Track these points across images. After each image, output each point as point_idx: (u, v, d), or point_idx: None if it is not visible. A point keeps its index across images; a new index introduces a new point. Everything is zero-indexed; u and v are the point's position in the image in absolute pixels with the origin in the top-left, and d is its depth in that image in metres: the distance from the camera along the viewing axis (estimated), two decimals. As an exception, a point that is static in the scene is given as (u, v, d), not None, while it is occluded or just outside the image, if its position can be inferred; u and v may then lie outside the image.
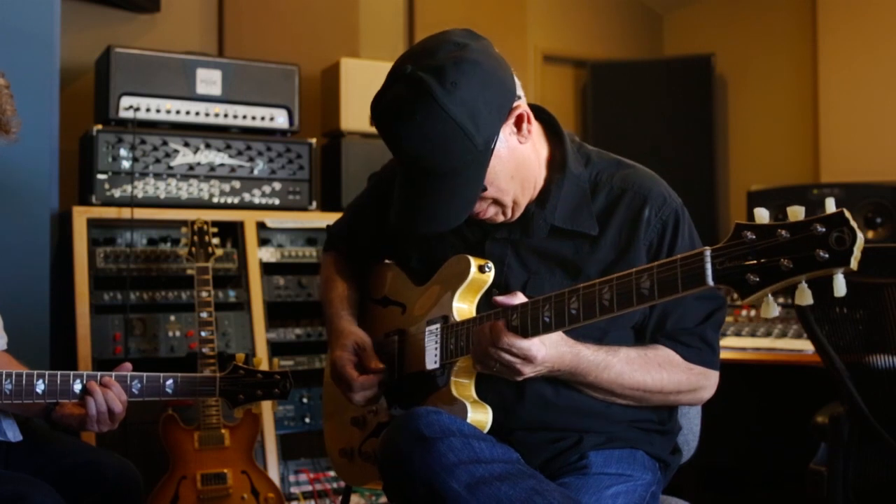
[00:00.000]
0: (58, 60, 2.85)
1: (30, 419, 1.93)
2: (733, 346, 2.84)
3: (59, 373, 1.78)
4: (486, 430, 1.53)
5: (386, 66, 1.55)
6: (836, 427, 2.02)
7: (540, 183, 1.64)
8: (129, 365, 1.86)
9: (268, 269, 3.16)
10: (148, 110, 3.08)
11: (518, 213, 1.63)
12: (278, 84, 3.30)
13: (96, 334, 2.83)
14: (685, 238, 1.62)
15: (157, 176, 3.07)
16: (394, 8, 4.10)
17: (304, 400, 3.12)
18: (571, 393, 1.58)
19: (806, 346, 2.69)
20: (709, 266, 1.19)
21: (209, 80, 3.18)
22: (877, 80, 4.30)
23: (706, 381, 1.64)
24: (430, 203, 1.52)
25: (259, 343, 3.05)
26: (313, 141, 3.35)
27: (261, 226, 3.18)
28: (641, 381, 1.56)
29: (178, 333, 2.95)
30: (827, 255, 1.08)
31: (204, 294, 2.78)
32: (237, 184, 3.20)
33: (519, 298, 1.47)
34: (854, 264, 1.06)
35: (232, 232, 3.14)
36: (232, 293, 3.07)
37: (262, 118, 3.26)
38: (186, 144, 3.12)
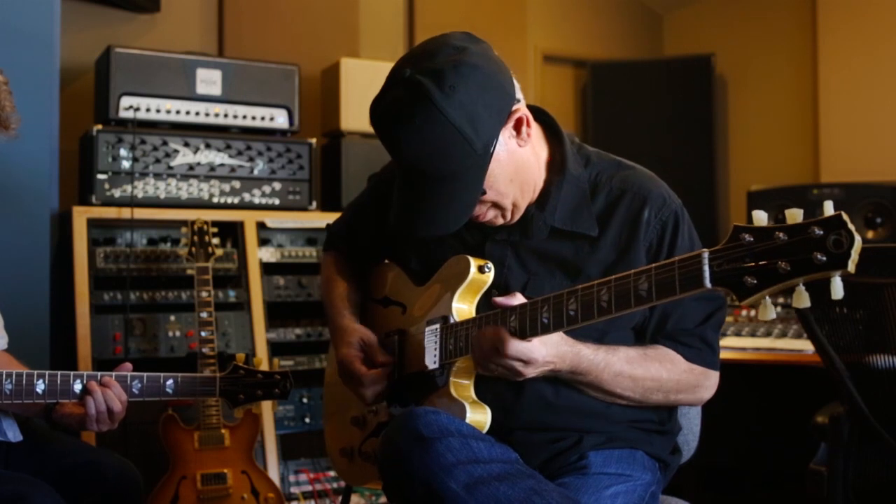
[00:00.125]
0: (58, 60, 2.85)
1: (30, 419, 1.93)
2: (733, 346, 2.84)
3: (59, 373, 1.78)
4: (484, 431, 1.53)
5: (386, 66, 1.55)
6: (836, 427, 2.02)
7: (540, 185, 1.64)
8: (129, 365, 1.86)
9: (268, 269, 3.16)
10: (148, 110, 3.08)
11: (518, 216, 1.63)
12: (278, 84, 3.30)
13: (96, 334, 2.83)
14: (685, 239, 1.62)
15: (157, 176, 3.07)
16: (394, 8, 4.10)
17: (304, 400, 3.12)
18: (571, 393, 1.58)
19: (806, 346, 2.69)
20: (706, 268, 1.19)
21: (209, 80, 3.18)
22: (877, 80, 4.30)
23: (706, 382, 1.64)
24: (429, 207, 1.52)
25: (259, 343, 3.06)
26: (313, 141, 3.35)
27: (261, 226, 3.18)
28: (641, 380, 1.56)
29: (178, 333, 2.95)
30: (824, 258, 1.08)
31: (204, 294, 2.78)
32: (237, 184, 3.20)
33: (518, 299, 1.47)
34: (851, 267, 1.06)
35: (232, 232, 3.14)
36: (232, 293, 3.07)
37: (262, 118, 3.26)
38: (186, 144, 3.12)
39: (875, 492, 2.03)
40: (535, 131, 1.63)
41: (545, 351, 1.45)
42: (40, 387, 1.76)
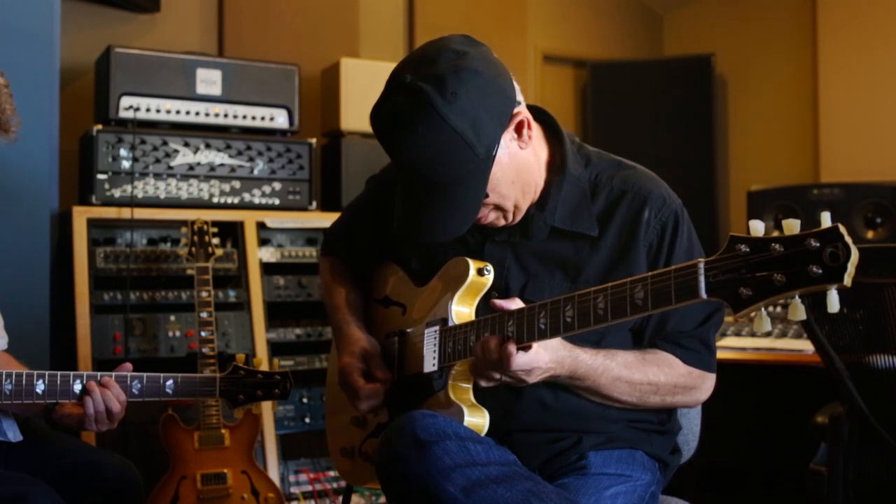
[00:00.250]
0: (58, 60, 2.85)
1: (30, 419, 1.93)
2: (733, 346, 2.84)
3: (58, 373, 1.78)
4: (483, 433, 1.52)
5: (386, 66, 1.55)
6: (836, 427, 2.02)
7: (540, 185, 1.64)
8: (129, 365, 1.86)
9: (268, 269, 3.16)
10: (148, 110, 3.08)
11: (519, 217, 1.63)
12: (278, 84, 3.30)
13: (96, 334, 2.83)
14: (684, 240, 1.62)
15: (157, 176, 3.07)
16: (394, 8, 4.10)
17: (304, 400, 3.12)
18: (570, 396, 1.58)
19: (806, 346, 2.69)
20: (702, 279, 1.19)
21: (209, 80, 3.18)
22: (877, 80, 4.30)
23: (703, 384, 1.64)
24: (432, 213, 1.52)
25: (259, 343, 3.06)
26: (313, 141, 3.35)
27: (261, 226, 3.18)
28: (639, 384, 1.56)
29: (178, 333, 2.95)
30: (820, 271, 1.07)
31: (204, 294, 2.78)
32: (237, 184, 3.20)
33: (516, 304, 1.47)
34: (848, 281, 1.05)
35: (232, 232, 3.14)
36: (232, 293, 3.07)
37: (262, 118, 3.26)
38: (186, 144, 3.12)
39: (875, 492, 2.03)
40: (535, 131, 1.63)
41: (547, 357, 1.45)
42: (40, 387, 1.76)
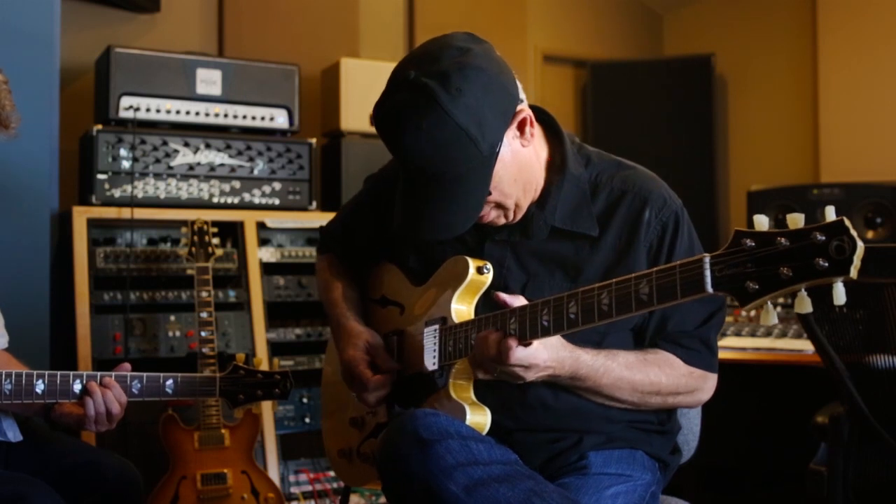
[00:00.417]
0: (58, 60, 2.85)
1: (30, 419, 1.93)
2: (733, 346, 2.84)
3: (58, 373, 1.78)
4: (484, 432, 1.53)
5: (386, 66, 1.55)
6: (836, 427, 2.02)
7: (541, 184, 1.64)
8: (128, 365, 1.86)
9: (268, 269, 3.16)
10: (148, 110, 3.08)
11: (520, 216, 1.63)
12: (278, 84, 3.30)
13: (96, 334, 2.83)
14: (684, 240, 1.61)
15: (157, 176, 3.07)
16: (394, 8, 4.10)
17: (304, 400, 3.12)
18: (571, 397, 1.58)
19: (806, 346, 2.69)
20: (708, 273, 1.19)
21: (209, 80, 3.18)
22: (877, 80, 4.30)
23: (705, 384, 1.64)
24: (435, 210, 1.51)
25: (259, 343, 3.05)
26: (313, 141, 3.35)
27: (261, 226, 3.18)
28: (640, 385, 1.56)
29: (178, 333, 2.95)
30: (826, 264, 1.08)
31: (204, 294, 2.78)
32: (237, 184, 3.20)
33: (519, 301, 1.47)
34: (854, 273, 1.06)
35: (232, 232, 3.14)
36: (232, 293, 3.07)
37: (262, 118, 3.26)
38: (186, 144, 3.12)
39: (875, 492, 2.03)
40: (536, 131, 1.63)
41: (546, 355, 1.45)
42: (40, 387, 1.76)
